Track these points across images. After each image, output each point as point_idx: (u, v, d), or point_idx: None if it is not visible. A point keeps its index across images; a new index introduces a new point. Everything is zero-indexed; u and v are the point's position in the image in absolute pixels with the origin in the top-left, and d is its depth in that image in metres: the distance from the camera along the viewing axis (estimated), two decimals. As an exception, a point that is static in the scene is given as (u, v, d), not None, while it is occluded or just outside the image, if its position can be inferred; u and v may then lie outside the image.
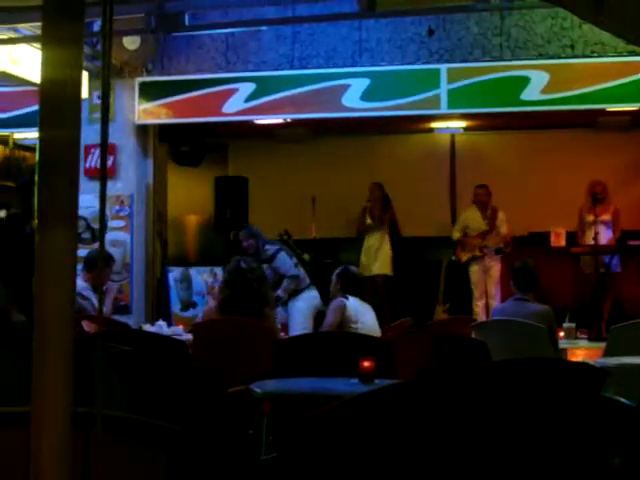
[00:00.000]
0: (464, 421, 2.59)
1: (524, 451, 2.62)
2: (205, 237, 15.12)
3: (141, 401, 4.66)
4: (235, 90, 11.90)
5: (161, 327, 9.43)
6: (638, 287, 12.11)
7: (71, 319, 1.95)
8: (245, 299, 7.14)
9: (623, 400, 2.70)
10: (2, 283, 8.14)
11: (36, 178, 2.00)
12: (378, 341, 7.01)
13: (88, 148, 11.34)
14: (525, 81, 11.27)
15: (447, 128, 14.33)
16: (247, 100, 11.86)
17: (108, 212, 11.78)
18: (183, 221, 15.08)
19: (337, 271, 8.30)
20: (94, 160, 11.56)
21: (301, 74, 11.83)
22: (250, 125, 12.92)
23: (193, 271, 12.74)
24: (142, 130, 12.42)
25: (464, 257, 12.50)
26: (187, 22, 10.64)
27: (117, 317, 9.85)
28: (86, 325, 7.15)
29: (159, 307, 12.43)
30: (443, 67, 11.49)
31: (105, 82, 2.22)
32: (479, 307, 12.20)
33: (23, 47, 10.80)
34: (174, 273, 12.61)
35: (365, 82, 11.62)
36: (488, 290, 12.26)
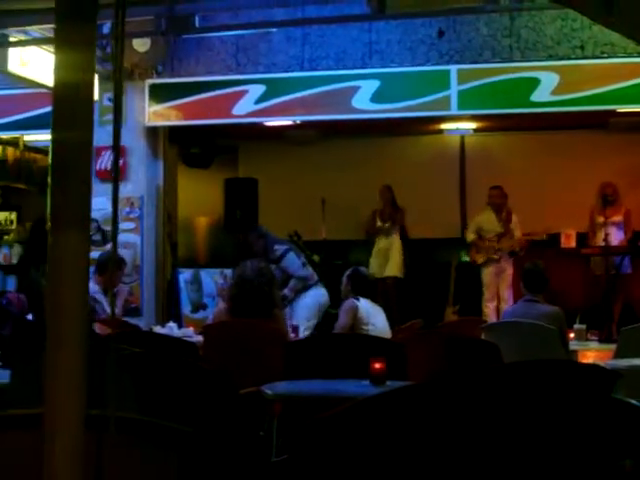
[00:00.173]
0: (476, 423, 2.59)
1: (535, 453, 2.61)
2: (215, 239, 15.12)
3: (152, 403, 4.67)
4: (245, 92, 11.91)
5: (171, 329, 9.42)
6: (649, 288, 12.10)
7: (84, 322, 1.96)
8: (255, 301, 7.15)
9: (634, 402, 2.70)
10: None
11: (49, 180, 2.01)
12: (389, 343, 7.01)
13: (99, 150, 11.36)
14: (535, 82, 11.26)
15: (457, 129, 14.31)
16: (257, 102, 11.87)
17: (118, 214, 11.78)
18: (193, 223, 15.09)
19: (348, 272, 8.30)
20: (105, 162, 11.58)
21: (311, 76, 11.84)
22: (260, 127, 12.92)
23: (203, 273, 12.75)
24: (152, 132, 12.44)
25: (479, 259, 12.42)
26: (197, 24, 10.68)
27: (128, 319, 9.85)
28: (98, 328, 7.17)
29: (169, 309, 12.44)
30: (453, 68, 11.48)
31: (118, 84, 2.23)
32: (489, 308, 12.15)
33: (33, 49, 10.83)
34: (184, 275, 12.62)
35: (375, 84, 11.62)
36: (500, 293, 12.20)
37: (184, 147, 14.39)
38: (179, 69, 12.22)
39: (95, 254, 9.67)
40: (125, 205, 11.97)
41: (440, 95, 11.47)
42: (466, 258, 13.22)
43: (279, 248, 10.73)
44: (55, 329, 1.95)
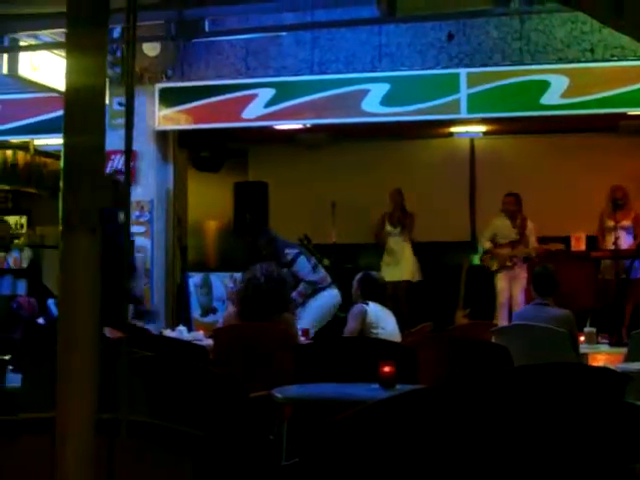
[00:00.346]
0: (486, 426, 2.59)
1: (546, 456, 2.61)
2: (225, 242, 15.13)
3: (163, 407, 4.67)
4: (255, 96, 11.92)
5: (181, 332, 9.41)
6: (659, 292, 12.04)
7: (96, 325, 1.96)
8: (265, 304, 7.14)
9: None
10: None
11: (60, 184, 2.02)
12: (399, 346, 6.99)
13: (109, 154, 11.36)
14: (545, 85, 11.25)
15: (467, 132, 14.29)
16: (267, 105, 11.88)
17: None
18: (203, 226, 15.11)
19: (358, 277, 8.27)
20: (115, 166, 11.59)
21: (321, 79, 11.84)
22: (270, 130, 12.94)
23: (213, 276, 12.76)
24: (162, 136, 12.46)
25: (494, 266, 12.37)
26: (207, 28, 10.70)
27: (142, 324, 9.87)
28: (109, 331, 7.17)
29: (179, 313, 12.44)
30: (463, 72, 11.49)
31: (129, 88, 2.24)
32: (502, 313, 12.11)
33: (44, 54, 10.86)
34: (194, 279, 12.63)
35: (385, 87, 11.62)
36: (514, 297, 12.16)
37: (194, 151, 14.40)
38: (189, 73, 12.24)
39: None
40: (135, 209, 11.99)
41: (450, 98, 11.47)
42: (477, 262, 13.18)
43: (290, 252, 10.70)
44: (67, 332, 1.95)
